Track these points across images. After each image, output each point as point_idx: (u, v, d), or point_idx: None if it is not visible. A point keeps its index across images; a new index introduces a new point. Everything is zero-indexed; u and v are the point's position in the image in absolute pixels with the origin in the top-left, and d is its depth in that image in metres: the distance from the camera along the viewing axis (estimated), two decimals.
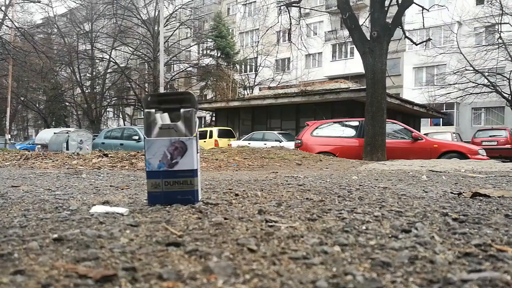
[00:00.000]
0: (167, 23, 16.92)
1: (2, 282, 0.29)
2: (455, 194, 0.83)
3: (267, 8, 8.32)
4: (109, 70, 19.97)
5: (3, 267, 0.33)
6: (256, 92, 16.56)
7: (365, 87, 6.75)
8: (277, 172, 1.93)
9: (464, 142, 9.72)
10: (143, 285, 0.29)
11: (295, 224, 0.51)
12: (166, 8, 17.19)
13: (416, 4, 6.71)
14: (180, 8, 18.29)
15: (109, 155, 2.97)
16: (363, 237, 0.44)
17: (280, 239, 0.43)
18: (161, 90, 9.30)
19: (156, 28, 17.21)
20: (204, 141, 10.32)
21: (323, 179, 1.22)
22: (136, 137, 8.82)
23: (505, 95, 14.07)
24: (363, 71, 6.69)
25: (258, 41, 14.92)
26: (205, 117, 19.40)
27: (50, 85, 20.18)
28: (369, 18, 6.36)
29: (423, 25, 7.66)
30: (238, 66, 20.00)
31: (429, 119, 18.07)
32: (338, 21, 16.33)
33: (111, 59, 19.15)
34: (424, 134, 8.71)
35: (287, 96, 11.45)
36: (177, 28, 18.09)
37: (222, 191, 0.81)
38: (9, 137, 15.86)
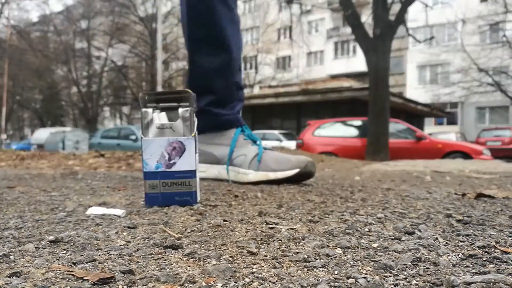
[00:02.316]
0: (165, 20, 16.91)
1: None
2: (459, 195, 0.82)
3: (268, 5, 8.31)
4: (106, 69, 19.97)
5: None
6: (256, 91, 16.56)
7: (368, 85, 6.73)
8: None
9: (469, 142, 9.66)
10: None
11: (296, 226, 0.50)
12: (164, 5, 17.18)
13: (420, 1, 6.67)
14: (178, 5, 18.25)
15: (106, 156, 2.98)
16: (366, 239, 0.43)
17: (280, 242, 0.42)
18: (159, 88, 9.30)
19: (154, 25, 17.20)
20: None
21: (325, 179, 1.21)
22: (133, 137, 8.82)
23: (509, 94, 13.97)
24: (366, 70, 6.67)
25: (259, 39, 14.89)
26: None
27: (46, 84, 20.22)
28: (372, 16, 6.33)
29: (427, 23, 7.63)
30: None
31: (433, 118, 17.99)
32: (340, 18, 16.26)
33: (107, 57, 19.15)
34: (428, 133, 8.67)
35: (288, 95, 11.44)
36: (175, 26, 18.10)
37: (221, 192, 0.80)
38: (5, 137, 15.93)
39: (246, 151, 1.03)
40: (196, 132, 0.63)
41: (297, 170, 0.95)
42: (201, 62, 1.05)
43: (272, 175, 0.97)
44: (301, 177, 0.98)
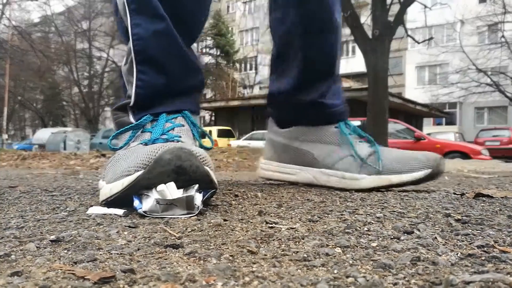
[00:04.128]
0: None
1: None
2: (457, 194, 0.82)
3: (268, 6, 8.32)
4: (107, 69, 19.99)
5: (0, 269, 0.32)
6: (256, 91, 16.54)
7: (367, 86, 6.73)
8: None
9: (467, 142, 9.67)
10: (142, 287, 0.29)
11: (295, 225, 0.50)
12: None
13: (418, 2, 6.68)
14: None
15: (107, 155, 2.98)
16: (365, 238, 0.43)
17: (280, 241, 0.42)
18: None
19: None
20: (203, 141, 10.33)
21: None
22: None
23: (508, 94, 13.99)
24: (365, 70, 6.67)
25: (258, 40, 14.89)
26: (204, 117, 19.44)
27: (48, 84, 20.22)
28: (370, 17, 6.34)
29: (426, 24, 7.64)
30: (238, 65, 19.98)
31: (431, 118, 18.01)
32: None
33: (108, 57, 19.16)
34: (427, 134, 8.68)
35: None
36: None
37: (222, 191, 0.80)
38: (6, 137, 15.87)
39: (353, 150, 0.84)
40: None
41: (429, 171, 0.77)
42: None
43: (396, 179, 0.78)
44: (430, 179, 0.79)
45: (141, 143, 0.61)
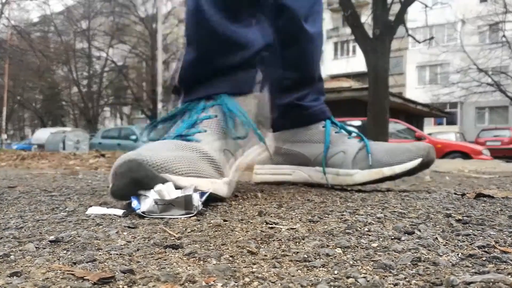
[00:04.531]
0: (165, 20, 16.89)
1: None
2: (458, 195, 0.82)
3: None
4: (106, 69, 19.93)
5: None
6: None
7: (367, 86, 6.72)
8: None
9: (468, 142, 9.65)
10: None
11: (296, 226, 0.50)
12: (165, 5, 17.18)
13: (419, 1, 6.66)
14: (178, 5, 18.28)
15: (106, 156, 2.99)
16: (365, 239, 0.43)
17: (280, 241, 0.42)
18: (159, 89, 9.26)
19: (154, 25, 17.19)
20: None
21: None
22: (134, 137, 8.80)
23: (509, 94, 13.96)
24: (366, 70, 6.66)
25: None
26: None
27: (47, 84, 20.16)
28: (371, 16, 6.32)
29: (426, 23, 7.63)
30: None
31: (432, 118, 17.95)
32: (340, 19, 16.29)
33: (108, 57, 19.12)
34: (428, 133, 8.67)
35: None
36: (175, 26, 18.05)
37: None
38: (5, 137, 15.84)
39: (344, 147, 0.84)
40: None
41: (419, 160, 0.77)
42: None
43: (388, 171, 0.78)
44: (423, 168, 0.80)
45: (161, 139, 0.62)
